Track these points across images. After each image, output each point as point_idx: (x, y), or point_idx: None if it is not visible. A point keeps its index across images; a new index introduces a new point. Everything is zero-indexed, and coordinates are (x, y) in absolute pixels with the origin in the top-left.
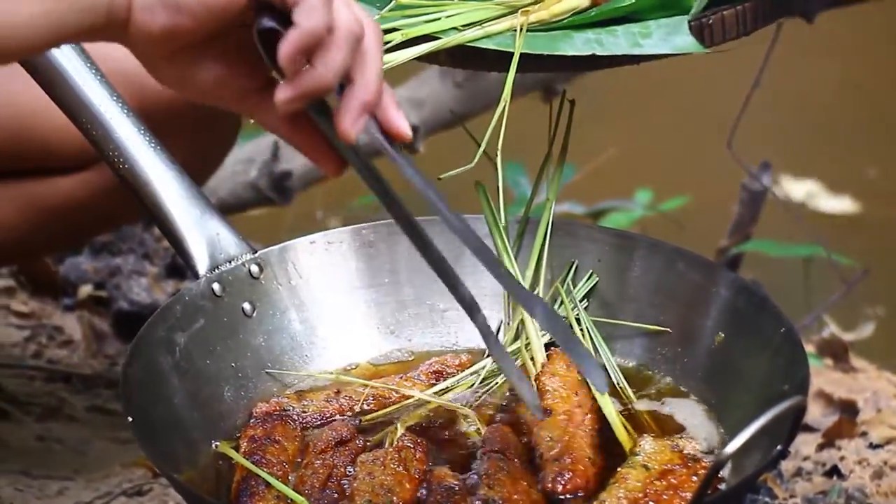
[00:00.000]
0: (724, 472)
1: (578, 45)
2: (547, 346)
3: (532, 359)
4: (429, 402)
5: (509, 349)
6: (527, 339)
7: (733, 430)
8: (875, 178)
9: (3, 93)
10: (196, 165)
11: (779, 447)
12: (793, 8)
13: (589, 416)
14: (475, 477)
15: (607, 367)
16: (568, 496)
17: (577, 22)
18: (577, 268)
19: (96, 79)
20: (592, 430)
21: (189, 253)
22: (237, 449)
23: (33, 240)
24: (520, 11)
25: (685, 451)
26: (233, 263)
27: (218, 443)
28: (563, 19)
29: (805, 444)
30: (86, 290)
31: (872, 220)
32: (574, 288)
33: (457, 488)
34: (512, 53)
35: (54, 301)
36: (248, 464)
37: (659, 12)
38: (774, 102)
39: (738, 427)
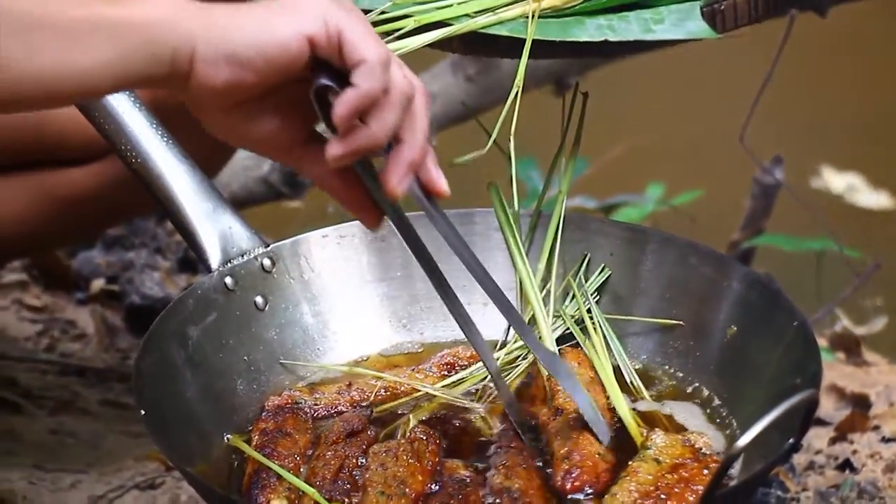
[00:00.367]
0: (734, 468)
1: (590, 30)
2: (559, 342)
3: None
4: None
5: (517, 349)
6: (539, 335)
7: (745, 423)
8: None
9: None
10: (208, 158)
11: (791, 441)
12: (804, 1)
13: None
14: (492, 469)
15: (619, 364)
16: (577, 494)
17: (589, 8)
18: (589, 262)
19: None
20: None
21: (201, 247)
22: (249, 442)
23: (46, 232)
24: None
25: (696, 446)
26: (245, 257)
27: (230, 436)
28: (576, 5)
29: (817, 438)
30: (98, 284)
31: None
32: (586, 282)
33: (469, 480)
34: (524, 40)
35: (67, 295)
36: (259, 456)
37: None
38: (800, 97)
39: (751, 421)
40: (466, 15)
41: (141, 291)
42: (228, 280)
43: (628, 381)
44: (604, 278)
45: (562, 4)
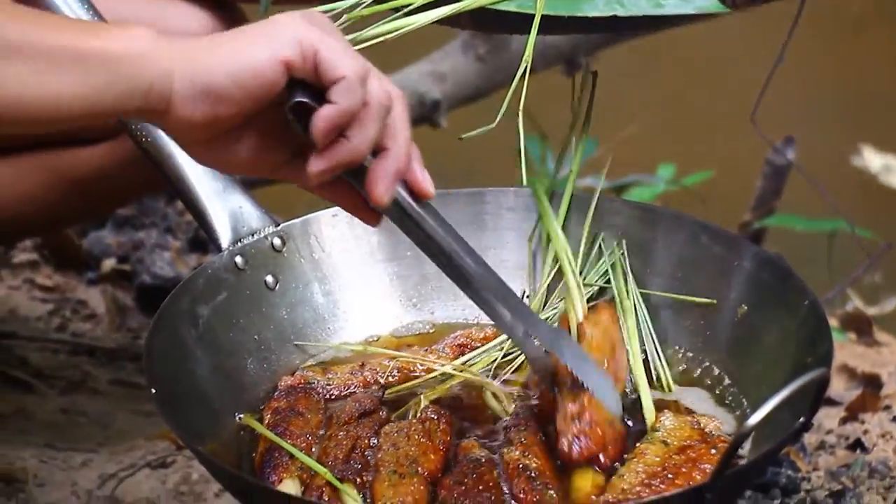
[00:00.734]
0: (744, 447)
1: (600, 6)
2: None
3: (575, 309)
4: (453, 375)
5: (542, 315)
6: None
7: (756, 402)
8: None
9: None
10: None
11: (802, 420)
12: None
13: (618, 374)
14: (508, 447)
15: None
16: (585, 463)
17: None
18: (602, 241)
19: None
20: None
21: (212, 226)
22: (261, 421)
23: (57, 211)
24: None
25: (706, 429)
26: (255, 236)
27: (241, 415)
28: None
29: (828, 418)
30: (109, 263)
31: None
32: (598, 262)
33: (483, 460)
34: (533, 15)
35: (78, 275)
36: (271, 435)
37: None
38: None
39: (761, 400)
40: None
41: (151, 271)
42: (239, 259)
43: (654, 368)
44: (618, 255)
45: None
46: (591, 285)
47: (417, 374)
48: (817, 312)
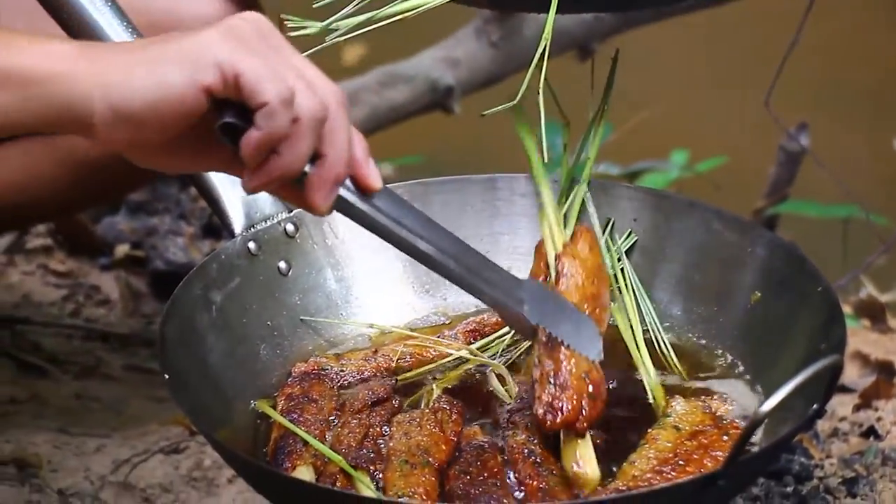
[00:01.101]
0: (757, 434)
1: None
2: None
3: (553, 239)
4: (465, 362)
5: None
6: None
7: (769, 389)
8: None
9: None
10: None
11: (815, 407)
12: None
13: (599, 311)
14: (513, 430)
15: (654, 336)
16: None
17: None
18: (613, 226)
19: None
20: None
21: (225, 212)
22: (274, 407)
23: (70, 194)
24: None
25: (717, 414)
26: (268, 222)
27: (254, 401)
28: None
29: (841, 405)
30: (122, 249)
31: None
32: (613, 245)
33: (487, 446)
34: None
35: (91, 260)
36: (285, 422)
37: None
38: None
39: (774, 386)
40: None
41: (165, 257)
42: (252, 245)
43: (664, 359)
44: (631, 243)
45: None
46: None
47: (431, 359)
48: (831, 299)
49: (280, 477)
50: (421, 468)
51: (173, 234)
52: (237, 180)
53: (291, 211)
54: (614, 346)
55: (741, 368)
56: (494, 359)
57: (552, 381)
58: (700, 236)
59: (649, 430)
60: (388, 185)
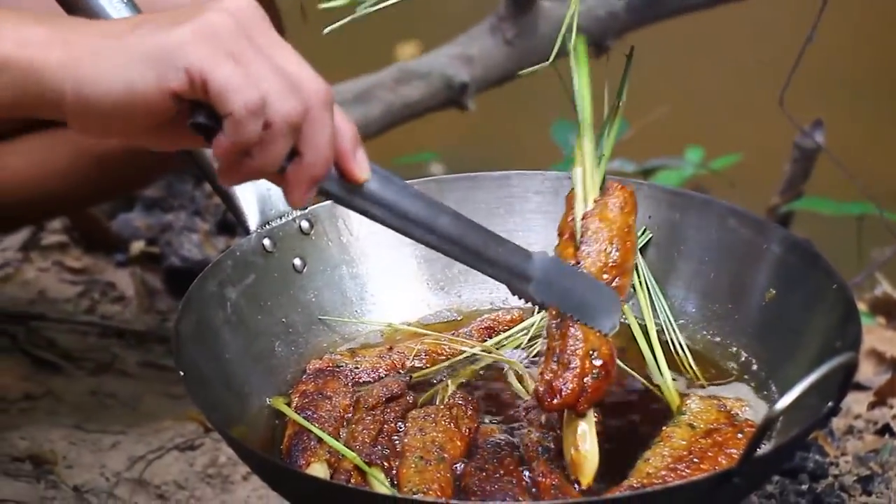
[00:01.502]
0: (771, 432)
1: None
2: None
3: (585, 192)
4: (480, 359)
5: None
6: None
7: (784, 386)
8: None
9: None
10: None
11: (830, 404)
12: None
13: (621, 279)
14: (528, 426)
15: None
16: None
17: None
18: None
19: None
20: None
21: (240, 209)
22: (289, 404)
23: (85, 188)
24: None
25: (732, 412)
26: (283, 219)
27: (269, 398)
28: None
29: (857, 403)
30: (138, 246)
31: None
32: None
33: (503, 443)
34: None
35: (107, 257)
36: (300, 419)
37: None
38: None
39: (789, 384)
40: None
41: (180, 253)
42: (267, 242)
43: (682, 363)
44: (646, 240)
45: None
46: None
47: (445, 356)
48: (846, 296)
49: (295, 474)
50: (436, 464)
51: (188, 230)
52: None
53: (306, 207)
54: (629, 342)
55: (756, 366)
56: (512, 354)
57: (556, 358)
58: (715, 234)
59: (664, 428)
60: (384, 170)
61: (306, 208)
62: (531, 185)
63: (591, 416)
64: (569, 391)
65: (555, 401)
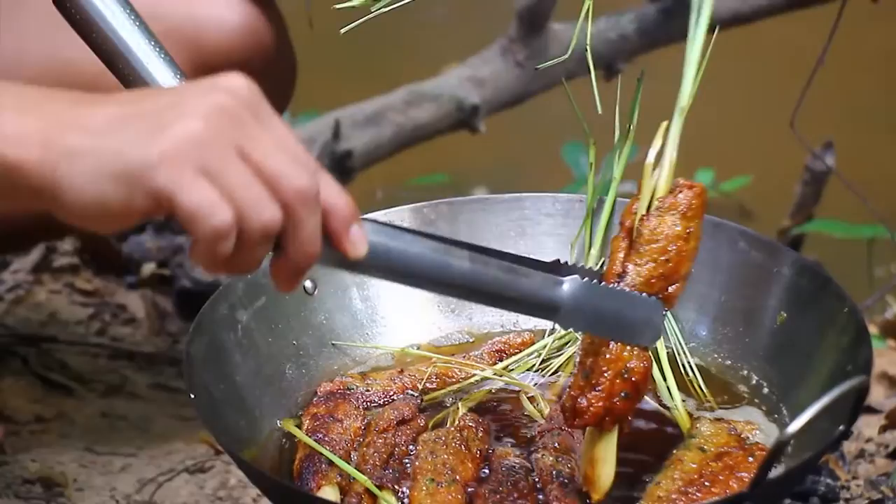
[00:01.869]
0: (782, 456)
1: None
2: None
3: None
4: (491, 382)
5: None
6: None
7: (795, 410)
8: None
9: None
10: None
11: (841, 428)
12: None
13: (672, 289)
14: (542, 450)
15: (679, 356)
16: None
17: None
18: None
19: (156, 52)
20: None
21: None
22: (300, 427)
23: None
24: None
25: (742, 435)
26: None
27: (280, 420)
28: None
29: (868, 426)
30: (149, 268)
31: None
32: None
33: (518, 467)
34: None
35: (118, 279)
36: (311, 441)
37: None
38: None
39: (800, 407)
40: None
41: (191, 276)
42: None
43: (692, 385)
44: None
45: None
46: None
47: (456, 379)
48: (856, 319)
49: (305, 497)
50: (447, 486)
51: None
52: None
53: None
54: None
55: (767, 389)
56: (524, 377)
57: (585, 375)
58: (726, 256)
59: (674, 451)
60: (388, 228)
61: None
62: (543, 208)
63: (615, 432)
64: (591, 413)
65: (576, 421)
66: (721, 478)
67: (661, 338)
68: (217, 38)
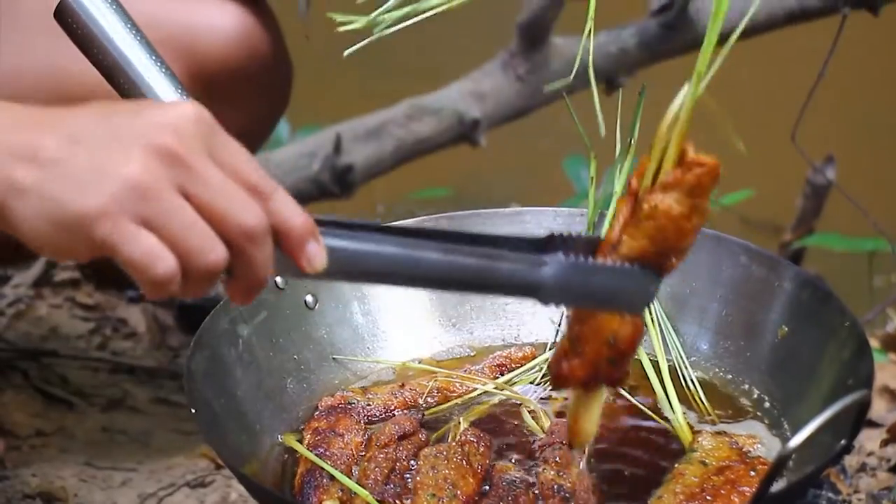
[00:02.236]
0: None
1: None
2: None
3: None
4: (492, 396)
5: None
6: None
7: (796, 424)
8: None
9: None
10: (252, 130)
11: (843, 442)
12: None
13: (670, 262)
14: (543, 465)
15: (680, 370)
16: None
17: None
18: None
19: (157, 66)
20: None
21: None
22: (301, 441)
23: None
24: None
25: (744, 449)
26: None
27: (281, 435)
28: None
29: (869, 440)
30: None
31: None
32: None
33: (518, 481)
34: None
35: (118, 293)
36: (312, 456)
37: None
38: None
39: (802, 422)
40: None
41: None
42: (278, 279)
43: (693, 399)
44: None
45: None
46: None
47: (458, 394)
48: (858, 333)
49: None
50: (448, 501)
51: None
52: None
53: None
54: (640, 379)
55: (768, 403)
56: (525, 391)
57: (571, 343)
58: (727, 270)
59: (676, 465)
60: (350, 230)
61: None
62: (544, 221)
63: (601, 392)
64: (575, 379)
65: (556, 384)
66: (723, 492)
67: (662, 351)
68: (213, 46)
